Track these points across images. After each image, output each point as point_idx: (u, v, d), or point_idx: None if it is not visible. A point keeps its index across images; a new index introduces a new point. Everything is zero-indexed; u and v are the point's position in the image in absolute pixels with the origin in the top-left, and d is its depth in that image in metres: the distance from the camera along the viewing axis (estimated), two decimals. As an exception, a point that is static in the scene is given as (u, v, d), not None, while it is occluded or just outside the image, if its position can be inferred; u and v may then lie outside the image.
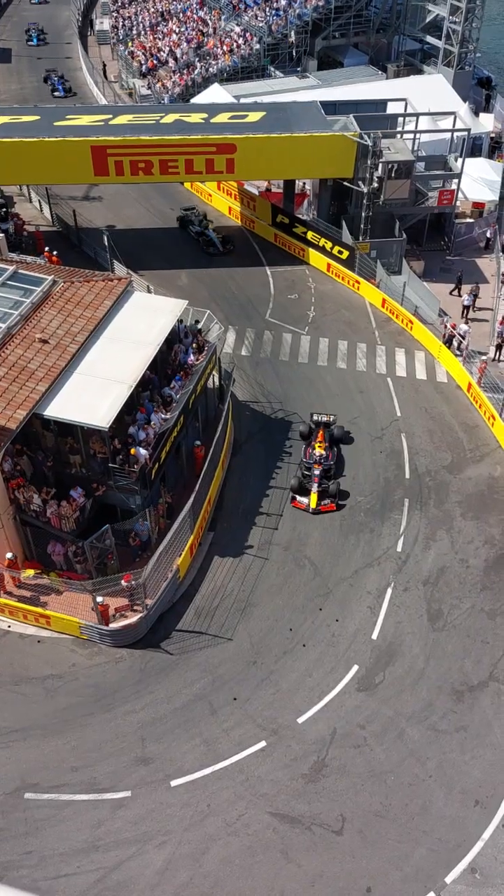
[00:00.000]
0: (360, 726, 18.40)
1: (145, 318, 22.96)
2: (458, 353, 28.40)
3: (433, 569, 21.93)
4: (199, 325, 25.11)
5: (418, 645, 20.05)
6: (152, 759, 17.79)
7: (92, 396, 20.19)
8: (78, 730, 18.29)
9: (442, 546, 22.56)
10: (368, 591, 21.32)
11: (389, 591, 21.31)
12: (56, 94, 47.87)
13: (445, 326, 29.08)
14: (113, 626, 19.83)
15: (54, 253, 30.96)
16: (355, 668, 19.56)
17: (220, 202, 37.16)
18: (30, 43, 54.65)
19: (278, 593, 21.25)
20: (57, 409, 19.94)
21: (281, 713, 18.65)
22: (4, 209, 34.83)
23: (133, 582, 19.69)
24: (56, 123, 31.89)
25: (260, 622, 20.53)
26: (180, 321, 24.21)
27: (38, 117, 32.81)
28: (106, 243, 30.04)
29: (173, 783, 17.30)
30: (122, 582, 19.71)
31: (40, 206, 36.92)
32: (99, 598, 19.29)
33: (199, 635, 20.27)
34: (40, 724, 18.34)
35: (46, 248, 31.53)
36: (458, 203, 33.56)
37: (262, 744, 18.04)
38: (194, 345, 24.17)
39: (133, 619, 19.98)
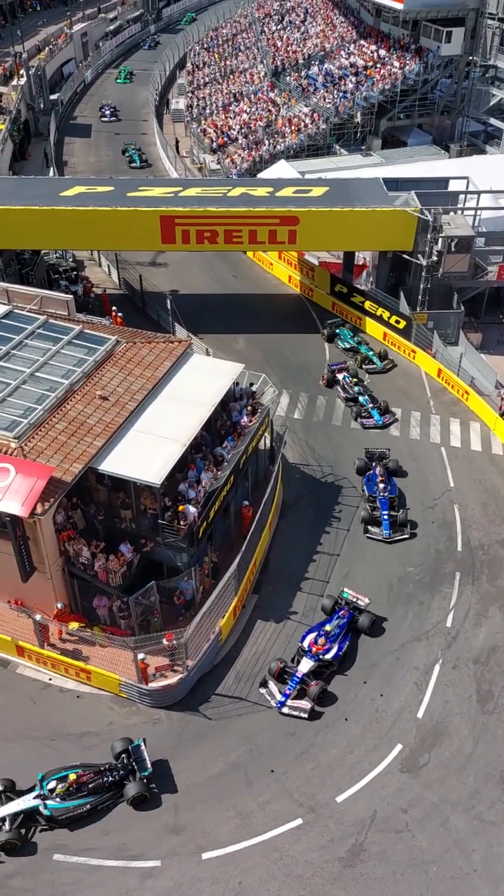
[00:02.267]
0: (402, 810, 17.56)
1: (202, 379, 23.47)
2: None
3: (484, 647, 21.14)
4: (254, 388, 25.51)
5: (466, 727, 19.19)
6: (184, 828, 17.27)
7: (146, 453, 20.56)
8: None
9: (494, 623, 21.78)
10: (415, 667, 20.63)
11: (437, 667, 20.59)
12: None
13: (502, 398, 28.81)
14: (152, 685, 19.62)
15: (119, 314, 32.17)
16: (399, 747, 18.79)
17: (280, 271, 38.17)
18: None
19: (322, 662, 20.73)
20: (111, 465, 20.34)
21: (319, 790, 17.96)
22: (75, 272, 36.50)
23: (175, 641, 19.54)
24: (129, 194, 33.55)
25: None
26: (236, 383, 24.65)
27: (112, 188, 34.61)
28: (168, 307, 31.07)
29: (204, 856, 16.72)
30: (164, 641, 19.58)
31: (109, 270, 38.57)
32: (140, 655, 19.17)
33: (238, 701, 19.86)
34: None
35: (113, 309, 32.78)
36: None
37: (299, 821, 17.35)
38: (248, 407, 24.50)
39: (173, 679, 19.75)
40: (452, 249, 31.52)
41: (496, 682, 20.21)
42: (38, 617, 20.17)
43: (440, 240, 31.40)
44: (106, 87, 67.22)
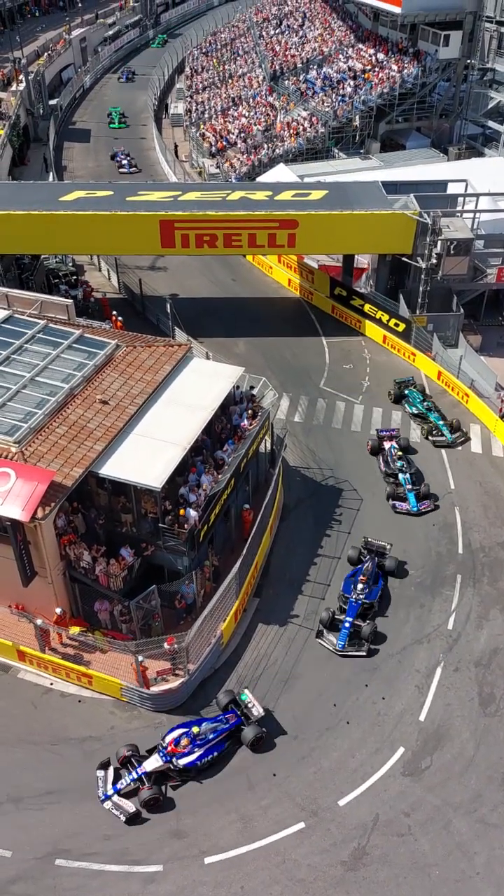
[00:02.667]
0: (404, 813, 17.52)
1: (202, 382, 23.49)
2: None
3: (486, 649, 21.12)
4: (254, 391, 25.52)
5: (468, 730, 19.16)
6: (186, 832, 17.24)
7: (147, 457, 20.58)
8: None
9: (495, 626, 21.76)
10: (417, 670, 20.61)
11: (439, 670, 20.57)
12: (122, 170, 50.45)
13: (502, 400, 28.83)
14: (154, 689, 19.60)
15: (119, 318, 32.22)
16: (401, 750, 18.76)
17: (279, 274, 38.22)
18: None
19: (323, 666, 20.72)
20: (112, 469, 20.36)
21: (321, 794, 17.93)
22: (75, 277, 36.56)
23: (176, 645, 19.53)
24: (128, 199, 33.63)
25: (303, 695, 19.99)
26: (236, 387, 24.67)
27: (111, 193, 34.68)
28: (168, 311, 31.12)
29: (207, 860, 16.68)
30: (165, 645, 19.57)
31: (108, 274, 38.63)
32: (140, 658, 19.15)
33: (240, 705, 19.79)
34: (75, 788, 18.02)
35: (114, 313, 32.83)
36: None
37: (301, 825, 17.31)
38: (249, 410, 24.52)
39: (174, 683, 19.73)
40: (451, 252, 31.57)
41: (498, 685, 20.18)
42: (38, 621, 20.17)
43: (439, 242, 31.45)
44: (104, 93, 67.41)
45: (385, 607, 22.14)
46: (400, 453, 26.93)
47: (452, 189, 35.08)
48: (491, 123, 48.93)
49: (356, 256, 35.68)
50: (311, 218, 32.04)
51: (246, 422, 24.06)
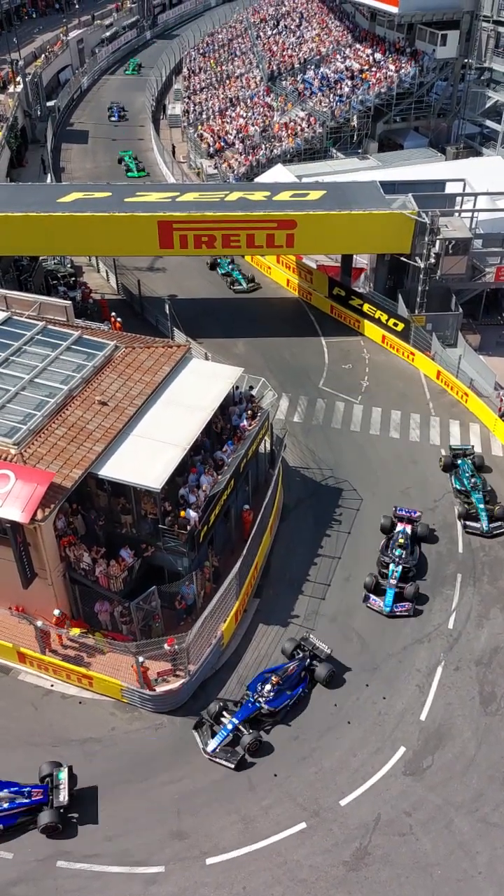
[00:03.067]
0: (406, 813, 17.52)
1: (202, 383, 23.48)
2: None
3: (486, 648, 21.12)
4: (254, 392, 25.52)
5: (469, 729, 19.16)
6: (188, 833, 17.23)
7: (146, 458, 20.57)
8: (114, 797, 17.90)
9: (496, 625, 21.76)
10: (418, 669, 20.61)
11: (440, 669, 20.56)
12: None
13: (501, 400, 28.83)
14: (154, 690, 19.58)
15: (118, 319, 32.21)
16: (402, 749, 18.75)
17: (278, 275, 38.22)
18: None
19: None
20: (111, 470, 20.35)
21: (323, 794, 17.92)
22: (73, 278, 36.55)
23: (176, 646, 19.51)
24: (126, 200, 33.61)
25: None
26: (236, 387, 24.66)
27: (109, 194, 34.67)
28: (167, 311, 31.11)
29: (209, 861, 16.68)
30: (166, 646, 19.56)
31: (107, 275, 38.62)
32: (140, 659, 19.15)
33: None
34: (77, 790, 18.00)
35: (112, 314, 32.83)
36: (515, 279, 33.73)
37: (303, 825, 17.31)
38: (248, 411, 24.51)
39: (175, 684, 19.72)
40: (450, 251, 31.57)
41: (498, 684, 20.18)
42: (39, 623, 20.15)
43: (438, 242, 31.44)
44: (102, 94, 67.40)
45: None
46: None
47: (450, 188, 35.08)
48: (489, 123, 48.97)
49: (355, 256, 35.68)
50: (309, 218, 32.04)
51: (245, 422, 24.06)
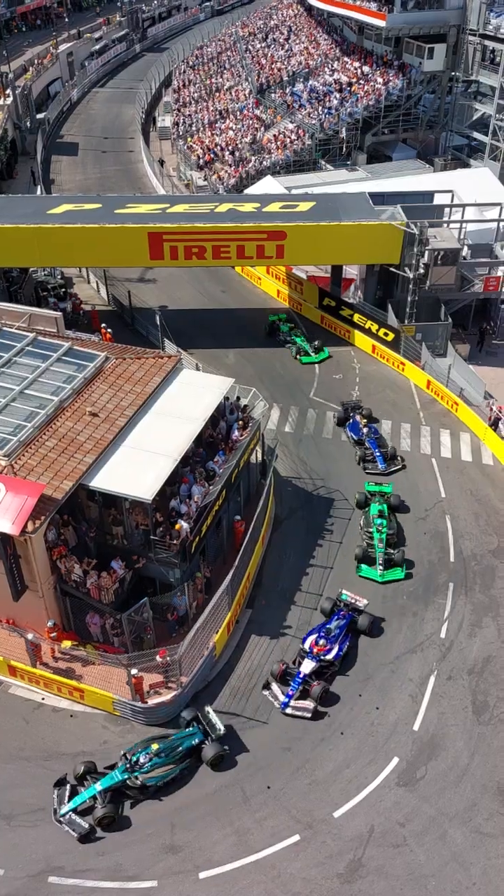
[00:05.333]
0: (399, 824, 17.45)
1: (192, 394, 23.50)
2: (504, 436, 28.19)
3: (479, 658, 21.12)
4: (244, 402, 25.55)
5: (462, 739, 19.13)
6: (181, 847, 17.09)
7: (137, 469, 20.54)
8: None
9: (488, 634, 21.78)
10: (410, 679, 20.58)
11: (432, 679, 20.54)
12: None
13: (491, 409, 28.99)
14: (146, 702, 19.46)
15: (109, 330, 32.21)
16: (395, 760, 18.70)
17: (268, 285, 38.35)
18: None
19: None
20: (102, 481, 20.30)
21: (316, 805, 17.83)
22: (64, 289, 36.55)
23: (168, 658, 19.42)
24: (116, 211, 33.70)
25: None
26: (226, 398, 24.68)
27: (99, 205, 34.75)
28: (158, 322, 31.15)
29: (202, 875, 16.54)
30: (158, 657, 19.47)
31: (97, 286, 38.65)
32: (133, 671, 19.04)
33: (233, 717, 19.71)
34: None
35: (103, 325, 32.82)
36: (503, 289, 33.97)
37: (296, 837, 17.21)
38: (239, 421, 24.53)
39: (167, 696, 19.62)
40: (439, 262, 31.79)
41: (491, 693, 20.18)
42: (30, 636, 20.02)
43: (426, 253, 31.67)
44: (91, 107, 67.69)
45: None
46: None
47: (439, 200, 35.37)
48: (476, 135, 49.46)
49: (344, 267, 35.86)
50: (299, 229, 32.20)
51: (237, 433, 24.06)
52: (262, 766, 18.62)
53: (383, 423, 29.91)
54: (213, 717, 19.02)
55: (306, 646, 20.74)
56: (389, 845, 17.05)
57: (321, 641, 20.65)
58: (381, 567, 23.40)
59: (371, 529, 24.33)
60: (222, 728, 18.83)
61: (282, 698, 19.79)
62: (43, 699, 20.28)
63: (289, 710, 19.62)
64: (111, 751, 18.90)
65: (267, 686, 20.24)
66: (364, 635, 21.53)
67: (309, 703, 19.66)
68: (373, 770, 18.49)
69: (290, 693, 19.82)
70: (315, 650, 20.51)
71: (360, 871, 16.57)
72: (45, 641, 20.30)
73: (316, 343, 33.52)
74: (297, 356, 33.16)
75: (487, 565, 23.92)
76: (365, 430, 28.31)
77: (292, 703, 19.69)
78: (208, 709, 19.31)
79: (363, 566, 23.63)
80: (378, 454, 27.36)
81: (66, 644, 20.39)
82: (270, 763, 18.70)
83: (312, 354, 33.14)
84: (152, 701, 19.51)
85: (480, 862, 16.75)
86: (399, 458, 27.51)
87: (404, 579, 23.29)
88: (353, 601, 22.02)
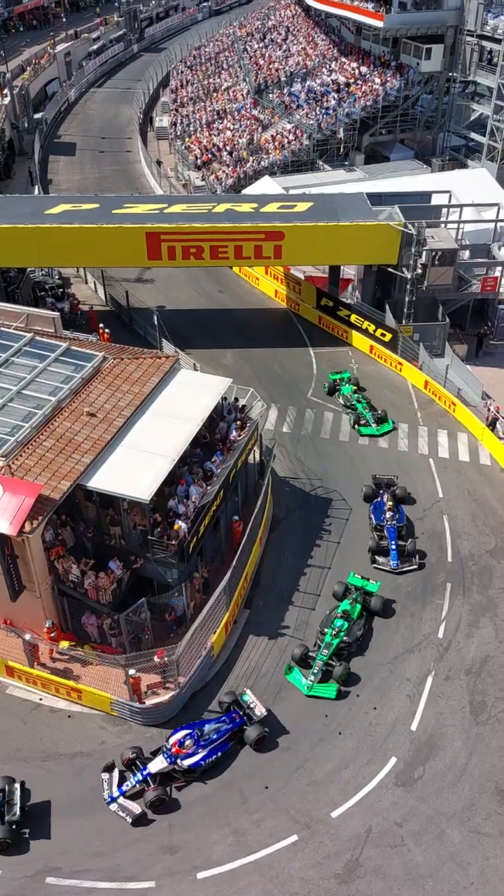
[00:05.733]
0: (397, 824, 17.45)
1: (190, 394, 23.49)
2: (502, 436, 28.18)
3: (476, 658, 21.13)
4: (242, 403, 25.55)
5: (460, 739, 19.14)
6: (179, 848, 17.08)
7: (135, 469, 20.52)
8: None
9: (485, 634, 21.80)
10: (408, 679, 20.59)
11: (430, 679, 20.55)
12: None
13: (489, 409, 29.01)
14: (145, 703, 19.44)
15: (106, 331, 32.20)
16: (393, 760, 18.70)
17: (266, 286, 38.36)
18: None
19: (314, 676, 20.64)
20: (100, 481, 20.28)
21: (314, 806, 17.83)
22: (61, 289, 36.51)
23: (166, 658, 19.41)
24: (114, 211, 33.68)
25: (294, 706, 19.89)
26: (224, 398, 24.68)
27: (97, 205, 34.73)
28: (155, 323, 31.14)
29: (200, 875, 16.53)
30: (155, 658, 19.45)
31: (95, 287, 38.62)
32: (131, 671, 19.03)
33: (231, 717, 19.66)
34: (67, 805, 17.83)
35: (101, 325, 32.80)
36: (501, 289, 34.02)
37: (294, 838, 17.20)
38: (237, 421, 24.53)
39: (165, 697, 19.61)
40: (436, 262, 31.83)
41: (489, 693, 20.20)
42: (27, 636, 19.99)
43: (424, 253, 31.70)
44: (89, 107, 67.65)
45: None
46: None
47: (436, 200, 35.41)
48: (473, 135, 49.53)
49: (342, 267, 35.88)
50: (296, 229, 32.21)
51: (234, 433, 24.06)
52: (259, 767, 18.62)
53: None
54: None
55: (170, 741, 18.14)
56: (387, 845, 17.05)
57: (188, 742, 17.97)
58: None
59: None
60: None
61: (113, 791, 17.69)
62: (41, 700, 20.26)
63: (112, 807, 17.51)
64: (109, 751, 18.89)
65: (108, 769, 18.07)
66: (250, 747, 18.80)
67: (136, 807, 17.38)
68: (371, 770, 18.49)
69: (123, 789, 17.70)
70: (174, 750, 17.94)
71: (358, 872, 16.57)
72: (43, 642, 20.27)
73: (380, 412, 29.37)
74: (356, 425, 29.08)
75: (485, 565, 23.94)
76: (388, 514, 24.30)
77: (120, 800, 17.58)
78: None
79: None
80: (393, 548, 23.60)
81: (64, 644, 20.37)
82: (268, 763, 18.69)
83: (373, 426, 28.90)
84: (150, 701, 19.49)
85: (478, 862, 16.75)
86: (417, 555, 23.63)
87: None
88: (252, 705, 19.13)
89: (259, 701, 19.33)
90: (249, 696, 19.40)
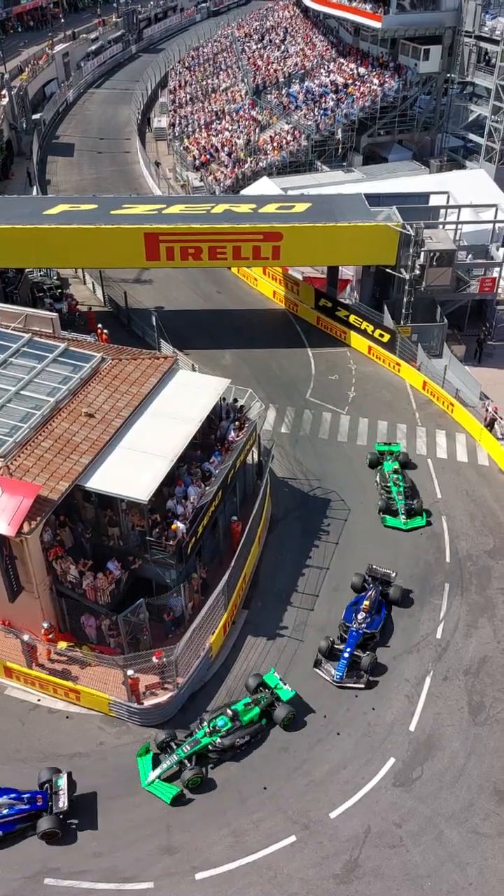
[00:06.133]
0: (396, 825, 17.46)
1: (189, 395, 23.49)
2: (500, 437, 28.21)
3: (474, 658, 21.15)
4: (241, 403, 25.55)
5: (458, 739, 19.15)
6: (178, 848, 17.08)
7: (133, 470, 20.52)
8: (102, 813, 17.72)
9: (484, 634, 21.81)
10: (406, 679, 20.60)
11: (428, 679, 20.56)
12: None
13: (487, 410, 29.04)
14: (143, 703, 19.43)
15: (105, 331, 32.19)
16: (392, 760, 18.71)
17: (264, 286, 38.38)
18: None
19: (313, 677, 20.64)
20: (98, 482, 20.27)
21: (313, 806, 17.83)
22: (60, 290, 36.51)
23: (165, 659, 19.41)
24: (112, 212, 33.67)
25: (293, 706, 19.87)
26: (223, 399, 24.68)
27: (95, 206, 34.73)
28: (154, 323, 31.13)
29: (198, 876, 16.52)
30: (154, 659, 19.45)
31: (93, 287, 38.62)
32: (130, 672, 19.02)
33: (230, 718, 19.66)
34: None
35: (99, 326, 32.80)
36: (499, 290, 34.07)
37: (293, 838, 17.20)
38: (236, 422, 24.53)
39: (163, 697, 19.60)
40: (434, 263, 31.86)
41: (487, 693, 20.21)
42: (25, 637, 19.98)
43: (422, 254, 31.74)
44: (87, 108, 67.63)
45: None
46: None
47: (434, 201, 35.44)
48: (471, 136, 49.58)
49: (340, 268, 35.90)
50: (295, 230, 32.22)
51: (233, 433, 24.06)
52: (258, 767, 18.62)
53: (379, 423, 29.88)
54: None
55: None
56: (386, 846, 17.06)
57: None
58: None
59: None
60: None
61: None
62: (39, 700, 20.24)
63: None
64: (107, 752, 18.89)
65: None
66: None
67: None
68: (369, 770, 18.50)
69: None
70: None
71: (357, 872, 16.57)
72: (41, 643, 20.26)
73: (415, 503, 25.28)
74: (382, 513, 25.34)
75: (483, 566, 23.95)
76: (361, 615, 21.19)
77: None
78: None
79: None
80: (345, 658, 20.35)
81: (62, 645, 20.36)
82: (267, 764, 18.69)
83: (402, 519, 24.93)
84: (148, 702, 19.49)
85: (477, 862, 16.76)
86: (366, 674, 20.33)
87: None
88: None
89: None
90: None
